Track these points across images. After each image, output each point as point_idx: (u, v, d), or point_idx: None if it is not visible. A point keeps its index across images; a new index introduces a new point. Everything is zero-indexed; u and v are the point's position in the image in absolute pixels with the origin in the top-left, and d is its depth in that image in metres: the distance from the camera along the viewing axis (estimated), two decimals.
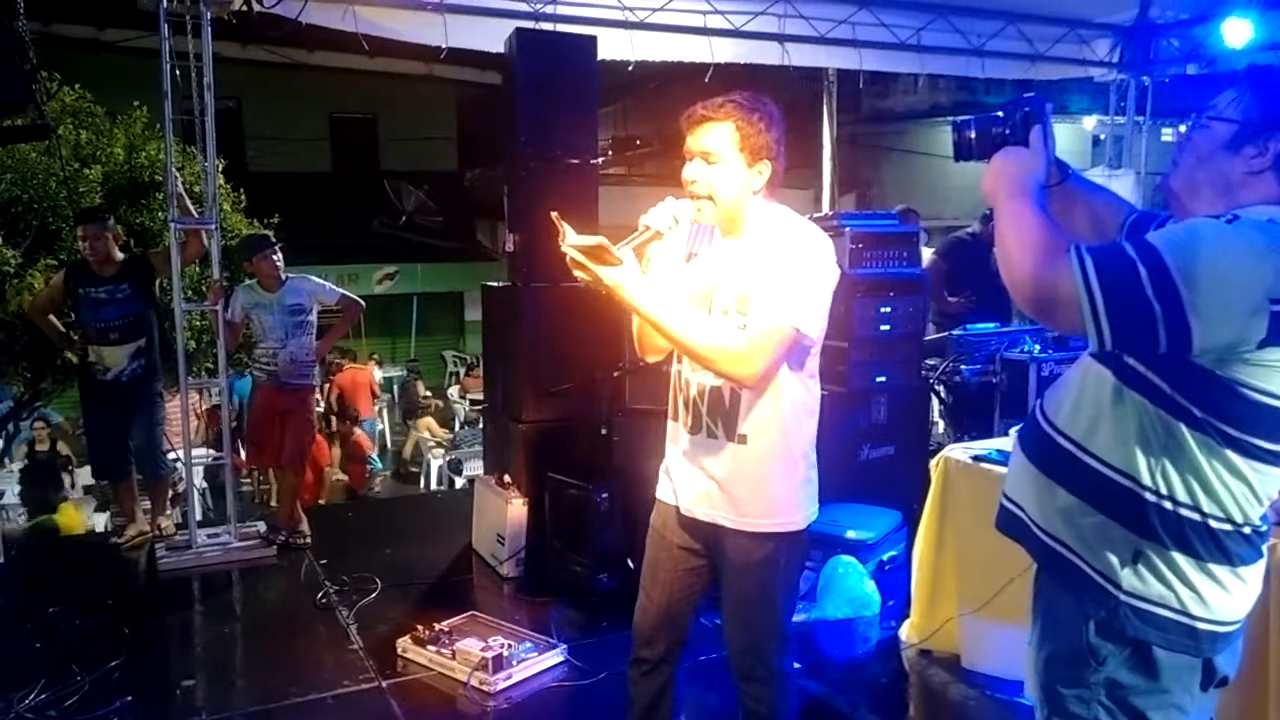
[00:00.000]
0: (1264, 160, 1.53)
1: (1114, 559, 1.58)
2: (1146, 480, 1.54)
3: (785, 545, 2.23)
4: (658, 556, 2.39)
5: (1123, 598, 1.57)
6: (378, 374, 13.95)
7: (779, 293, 2.06)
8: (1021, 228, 1.53)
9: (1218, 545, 1.53)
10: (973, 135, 1.75)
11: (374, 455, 11.27)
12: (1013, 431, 3.52)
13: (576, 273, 1.95)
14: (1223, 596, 1.56)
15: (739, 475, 2.20)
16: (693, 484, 2.28)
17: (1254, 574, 1.59)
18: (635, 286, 1.97)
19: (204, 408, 10.25)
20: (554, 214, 1.91)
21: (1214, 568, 1.54)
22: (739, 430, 2.18)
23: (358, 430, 11.13)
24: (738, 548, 2.23)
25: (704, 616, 2.48)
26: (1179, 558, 1.54)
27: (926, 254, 5.25)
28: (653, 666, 2.43)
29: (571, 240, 1.91)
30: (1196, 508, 1.52)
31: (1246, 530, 1.55)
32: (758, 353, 2.05)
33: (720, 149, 2.10)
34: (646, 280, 2.01)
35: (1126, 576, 1.57)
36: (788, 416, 2.19)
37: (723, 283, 2.18)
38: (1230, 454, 1.49)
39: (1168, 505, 1.53)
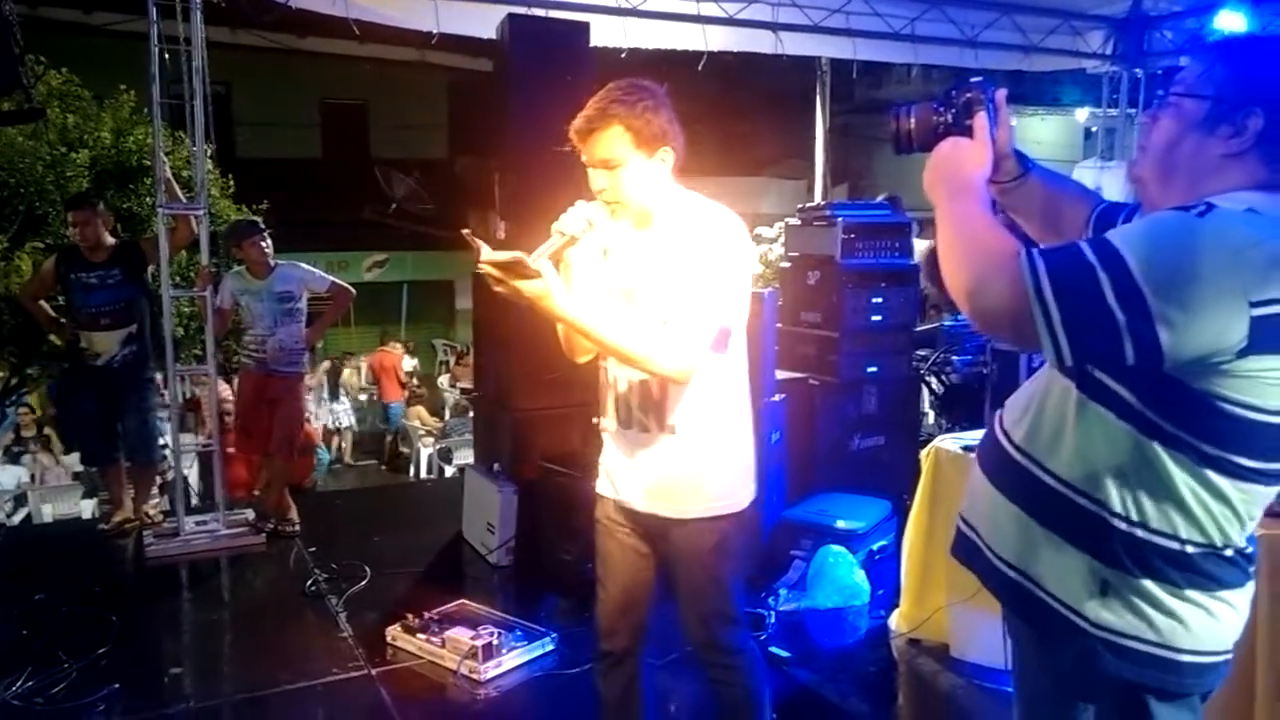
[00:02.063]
0: (1242, 140, 1.35)
1: (1080, 590, 1.43)
2: (1115, 505, 1.39)
3: (731, 528, 2.22)
4: (607, 547, 2.38)
5: (1093, 631, 1.43)
6: (407, 362, 13.88)
7: (699, 285, 2.04)
8: (963, 231, 1.39)
9: (1196, 571, 1.39)
10: (911, 124, 1.58)
11: (321, 447, 10.98)
12: None
13: (496, 288, 1.91)
14: (1209, 623, 1.42)
15: (673, 467, 2.19)
16: (629, 479, 2.27)
17: (1242, 599, 1.45)
18: (556, 297, 1.93)
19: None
20: (465, 231, 1.90)
21: (1194, 594, 1.40)
22: (668, 421, 2.17)
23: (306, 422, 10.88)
24: (684, 538, 2.22)
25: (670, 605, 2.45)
26: (1151, 585, 1.40)
27: (920, 245, 5.25)
28: (618, 659, 2.41)
29: (486, 256, 1.86)
30: (1173, 535, 1.38)
31: (1229, 553, 1.41)
32: (686, 350, 2.03)
33: (617, 153, 2.06)
34: (566, 289, 1.98)
35: (1094, 609, 1.43)
36: (716, 402, 2.18)
37: (641, 277, 2.16)
38: (1209, 473, 1.34)
39: (1139, 533, 1.39)
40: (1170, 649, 1.41)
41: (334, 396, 13.08)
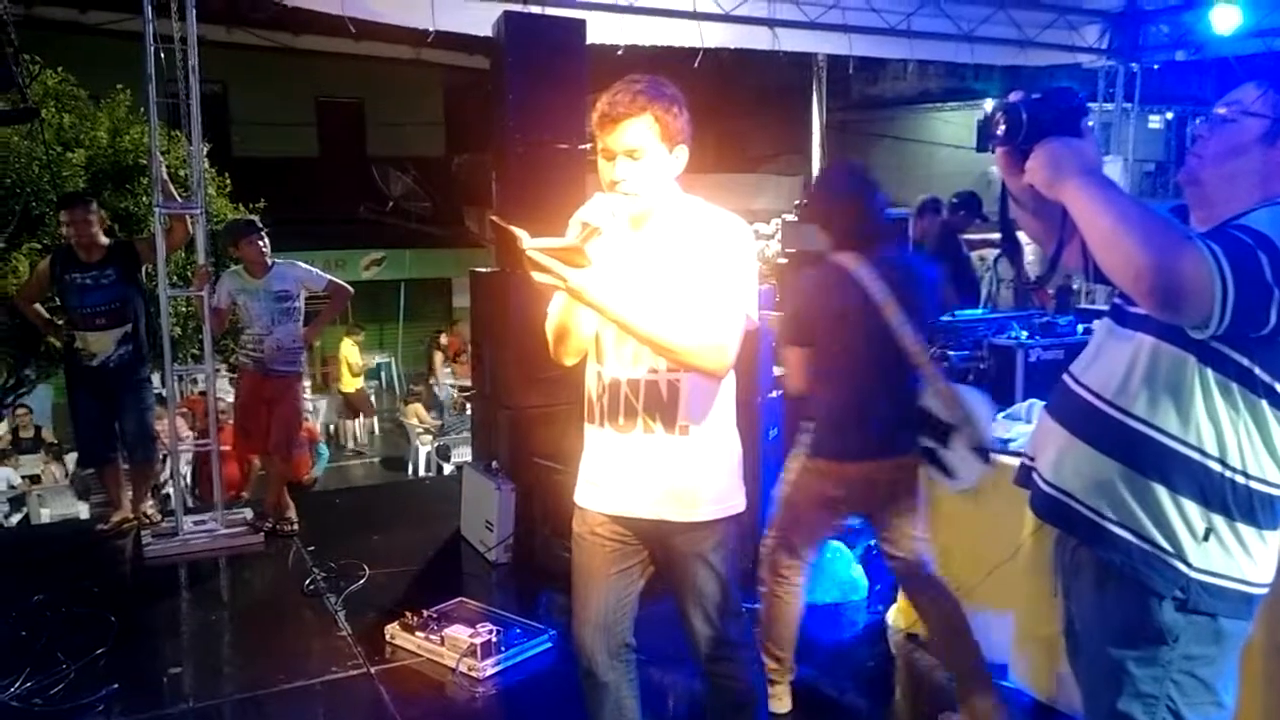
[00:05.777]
0: None
1: (1184, 536, 1.62)
2: (1226, 457, 1.59)
3: (732, 528, 2.23)
4: (588, 563, 2.29)
5: (1193, 575, 1.62)
6: None
7: (727, 282, 2.03)
8: (1130, 216, 1.51)
9: (1274, 512, 1.63)
10: (1024, 117, 1.69)
11: (321, 443, 10.85)
12: (1000, 417, 3.54)
13: (536, 275, 1.86)
14: (1270, 560, 1.66)
15: (684, 469, 2.14)
16: (629, 485, 2.18)
17: None
18: (602, 286, 1.90)
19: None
20: (493, 217, 1.86)
21: (1269, 534, 1.64)
22: (679, 422, 2.13)
23: (306, 419, 10.74)
24: (688, 540, 2.19)
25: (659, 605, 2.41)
26: (1244, 529, 1.62)
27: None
28: (600, 677, 2.32)
29: (535, 243, 1.81)
30: (1265, 480, 1.60)
31: None
32: (729, 342, 2.03)
33: (643, 143, 2.02)
34: (609, 279, 1.92)
35: (1196, 553, 1.62)
36: (722, 404, 2.18)
37: (641, 276, 2.08)
38: None
39: (1240, 480, 1.60)
40: (1247, 584, 1.63)
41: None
